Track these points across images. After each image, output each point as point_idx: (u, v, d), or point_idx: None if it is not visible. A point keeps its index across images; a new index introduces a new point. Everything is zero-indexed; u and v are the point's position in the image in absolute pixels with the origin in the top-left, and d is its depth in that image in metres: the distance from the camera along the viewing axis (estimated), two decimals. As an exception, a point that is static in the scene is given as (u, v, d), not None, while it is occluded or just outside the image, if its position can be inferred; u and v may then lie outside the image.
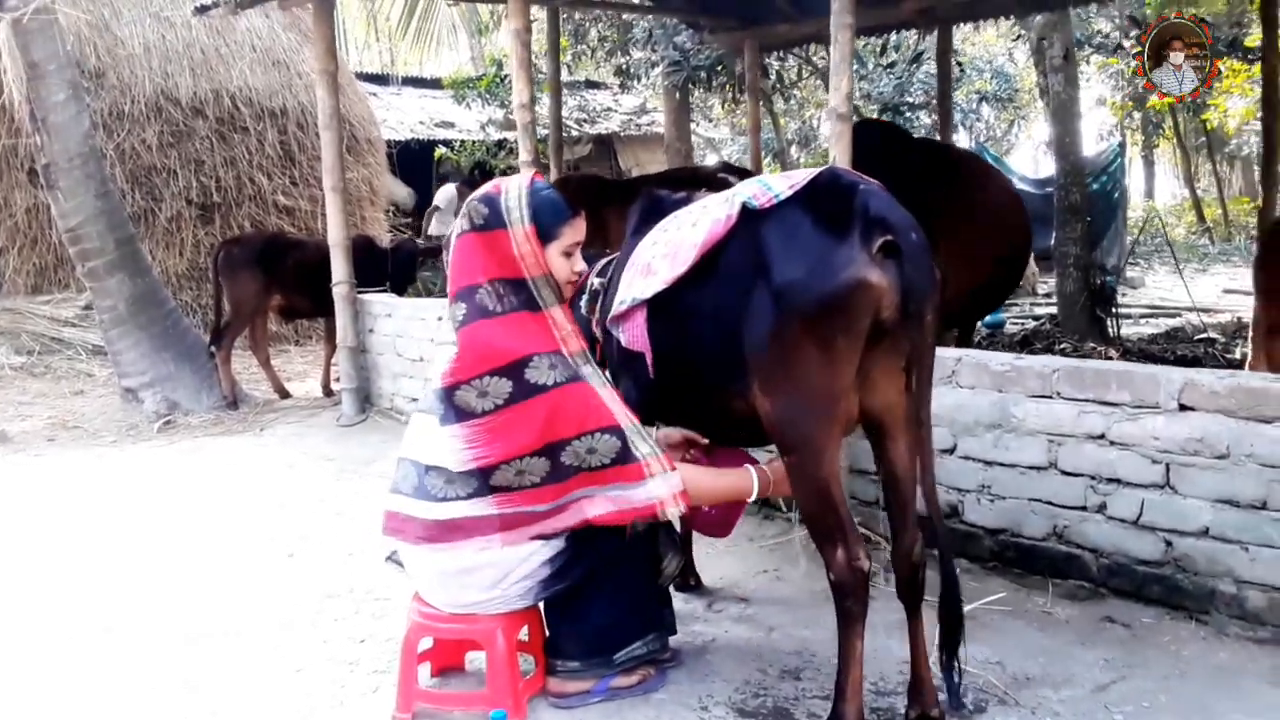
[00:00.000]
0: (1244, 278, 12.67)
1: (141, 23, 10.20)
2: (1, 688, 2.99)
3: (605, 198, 6.28)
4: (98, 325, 7.76)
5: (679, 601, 3.28)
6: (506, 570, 2.56)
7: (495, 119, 14.23)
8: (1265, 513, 2.93)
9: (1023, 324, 9.25)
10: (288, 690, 2.89)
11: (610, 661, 2.74)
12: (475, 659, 2.97)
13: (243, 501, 4.90)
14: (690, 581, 3.50)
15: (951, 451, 3.61)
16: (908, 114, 12.67)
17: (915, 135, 8.46)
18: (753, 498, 2.71)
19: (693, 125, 14.01)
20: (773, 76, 11.24)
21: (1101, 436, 3.24)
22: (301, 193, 10.73)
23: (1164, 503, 3.13)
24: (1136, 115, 16.49)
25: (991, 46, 19.51)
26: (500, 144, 14.29)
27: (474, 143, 14.35)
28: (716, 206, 2.66)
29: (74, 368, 8.83)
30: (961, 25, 8.33)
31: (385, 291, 7.13)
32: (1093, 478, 3.28)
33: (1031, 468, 3.43)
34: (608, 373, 2.80)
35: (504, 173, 14.63)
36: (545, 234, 2.55)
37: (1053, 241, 8.75)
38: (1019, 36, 12.89)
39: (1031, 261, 10.16)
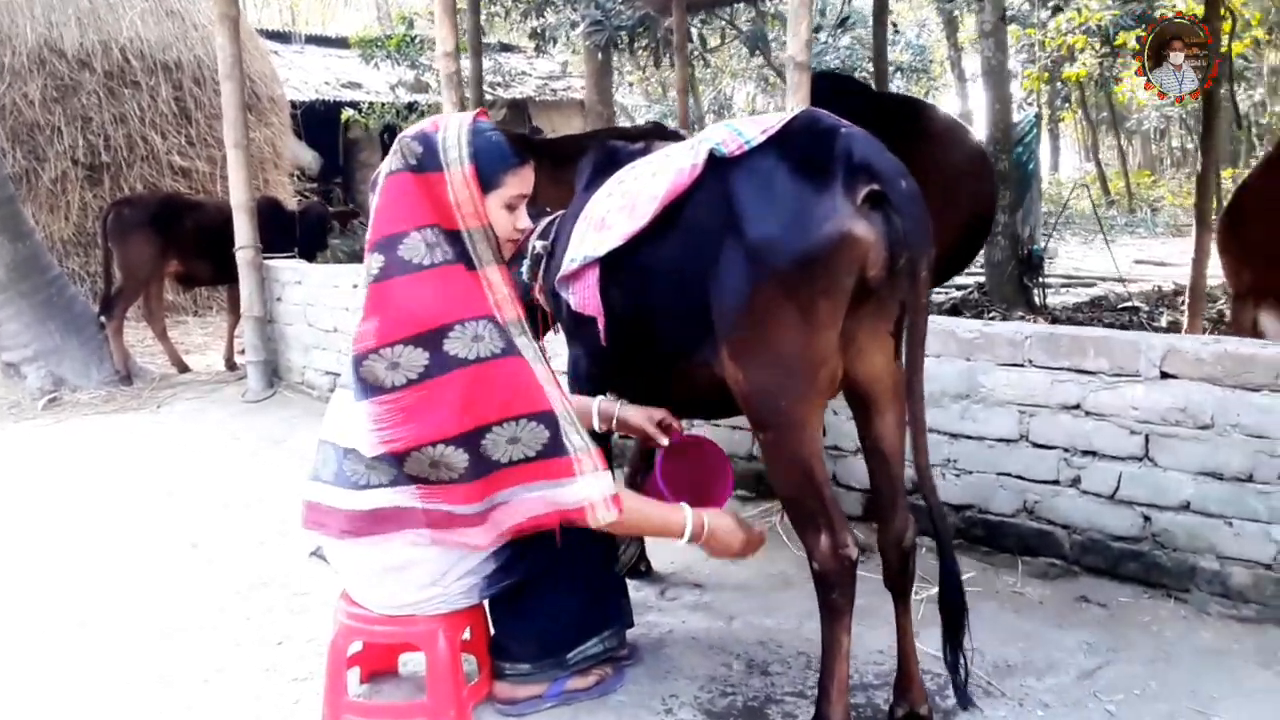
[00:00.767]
0: (1152, 248, 12.92)
1: (22, -33, 9.44)
2: None
3: (531, 156, 5.89)
4: (-27, 294, 7.13)
5: (629, 589, 3.01)
6: (446, 566, 2.25)
7: (406, 80, 13.66)
8: (1251, 485, 2.79)
9: (947, 292, 9.19)
10: (192, 705, 2.54)
11: (563, 662, 2.46)
12: (410, 661, 2.66)
13: (138, 486, 4.47)
14: (641, 567, 3.24)
15: (915, 423, 3.40)
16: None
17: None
18: (681, 542, 2.40)
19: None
20: (695, 40, 10.96)
21: (1077, 406, 3.07)
22: (199, 153, 10.11)
23: (1143, 475, 2.98)
24: (1046, 88, 16.67)
25: (904, 18, 19.54)
26: (411, 106, 13.71)
27: (383, 105, 13.74)
28: (680, 154, 2.37)
29: (-52, 340, 8.14)
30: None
31: (294, 257, 6.69)
32: (1067, 450, 3.11)
33: (1001, 440, 3.24)
34: (544, 343, 2.50)
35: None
36: (486, 181, 2.22)
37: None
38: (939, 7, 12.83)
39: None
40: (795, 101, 3.34)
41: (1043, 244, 9.59)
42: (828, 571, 2.19)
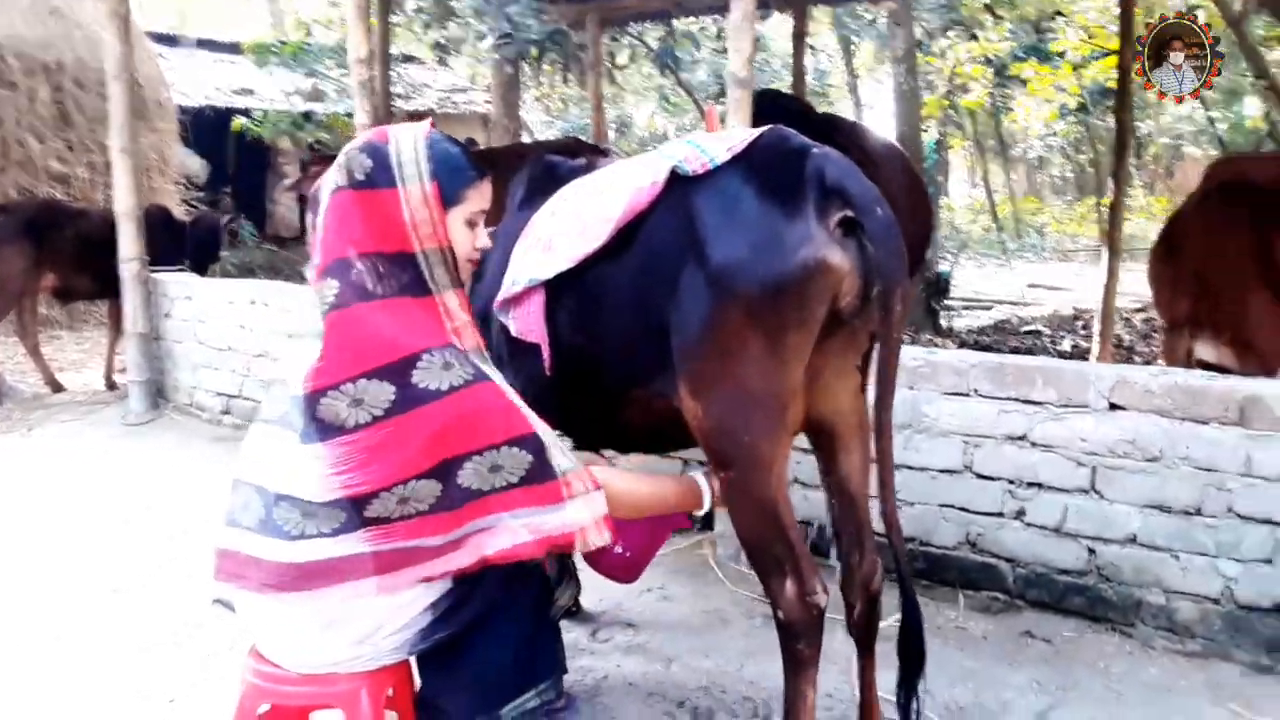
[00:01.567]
0: (1043, 273, 13.30)
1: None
2: None
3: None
4: None
5: (561, 632, 2.82)
6: (379, 621, 2.02)
7: (302, 88, 13.17)
8: (1199, 519, 2.76)
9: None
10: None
11: (498, 719, 2.25)
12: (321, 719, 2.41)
13: (3, 515, 4.08)
14: (571, 607, 3.04)
15: (853, 453, 3.29)
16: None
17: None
18: (703, 510, 2.20)
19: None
20: (605, 58, 10.83)
21: (1023, 437, 3.00)
22: (79, 158, 9.52)
23: (1089, 508, 2.92)
24: (952, 112, 17.09)
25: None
26: (307, 115, 13.23)
27: (277, 113, 13.23)
28: (637, 172, 2.20)
29: None
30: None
31: (184, 270, 6.29)
32: (1012, 481, 3.04)
33: (944, 471, 3.16)
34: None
35: (311, 147, 13.68)
36: (448, 197, 2.01)
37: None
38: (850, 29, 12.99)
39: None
40: (736, 120, 3.21)
41: (947, 267, 9.75)
42: (794, 621, 2.04)
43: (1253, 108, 12.73)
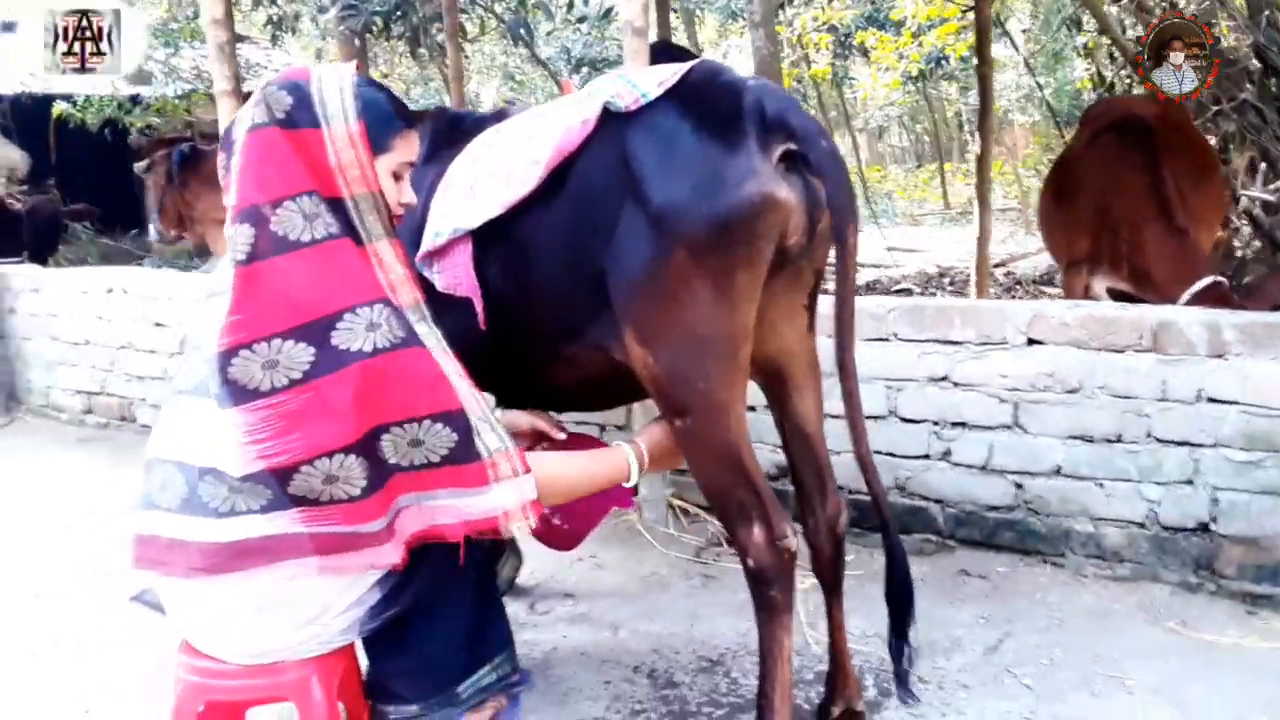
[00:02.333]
0: (897, 236, 13.69)
1: None
2: None
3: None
4: None
5: (498, 607, 2.69)
6: (325, 602, 1.85)
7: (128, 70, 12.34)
8: (1120, 445, 2.83)
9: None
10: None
11: (455, 698, 2.08)
12: (260, 717, 2.22)
13: None
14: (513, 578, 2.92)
15: (776, 405, 3.26)
16: (604, 70, 12.42)
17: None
18: (631, 481, 2.09)
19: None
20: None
21: (944, 378, 3.02)
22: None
23: (1014, 444, 2.97)
24: (797, 84, 17.39)
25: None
26: (135, 99, 12.40)
27: (102, 98, 12.34)
28: (564, 111, 2.08)
29: None
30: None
31: (22, 262, 5.78)
32: (936, 423, 3.06)
33: (868, 417, 3.10)
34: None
35: (142, 132, 12.84)
36: (375, 142, 1.84)
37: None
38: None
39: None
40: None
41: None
42: (764, 567, 1.97)
43: (1079, 71, 13.36)
